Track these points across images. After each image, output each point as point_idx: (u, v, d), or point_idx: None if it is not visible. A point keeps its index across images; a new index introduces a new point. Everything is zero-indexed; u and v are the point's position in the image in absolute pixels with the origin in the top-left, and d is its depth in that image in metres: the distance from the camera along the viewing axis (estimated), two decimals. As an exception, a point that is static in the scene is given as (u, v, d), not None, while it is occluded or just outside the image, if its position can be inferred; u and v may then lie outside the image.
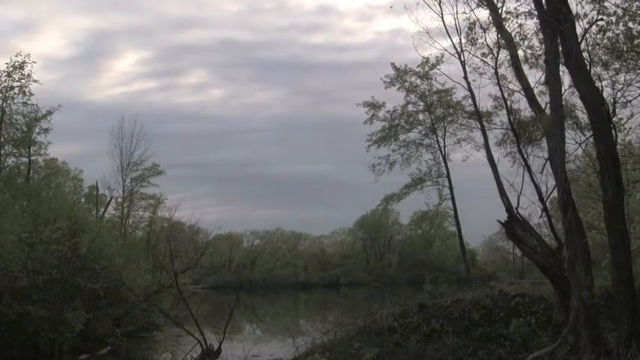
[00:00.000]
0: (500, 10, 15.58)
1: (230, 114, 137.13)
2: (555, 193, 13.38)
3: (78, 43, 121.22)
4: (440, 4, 17.55)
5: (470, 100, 21.50)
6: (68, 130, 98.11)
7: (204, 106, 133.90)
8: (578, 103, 15.34)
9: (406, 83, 33.54)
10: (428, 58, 30.05)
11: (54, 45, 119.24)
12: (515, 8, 15.77)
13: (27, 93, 28.62)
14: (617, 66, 15.83)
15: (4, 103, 28.63)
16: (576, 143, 17.84)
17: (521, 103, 16.88)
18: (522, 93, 15.13)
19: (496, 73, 16.85)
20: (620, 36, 14.57)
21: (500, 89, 17.13)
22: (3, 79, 28.19)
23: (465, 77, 18.71)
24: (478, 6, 16.52)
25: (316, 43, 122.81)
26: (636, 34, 14.49)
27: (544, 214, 16.33)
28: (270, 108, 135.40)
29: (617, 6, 14.07)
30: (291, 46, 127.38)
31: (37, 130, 30.66)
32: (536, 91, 15.16)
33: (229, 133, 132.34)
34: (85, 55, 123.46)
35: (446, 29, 17.76)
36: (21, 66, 28.13)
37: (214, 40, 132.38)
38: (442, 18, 17.57)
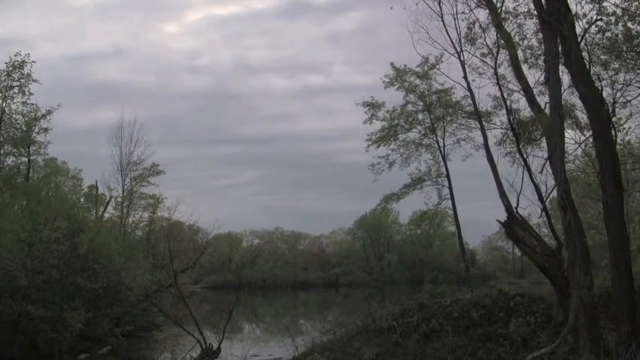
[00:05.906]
0: (499, 10, 15.59)
1: (341, 57, 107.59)
2: (555, 193, 13.43)
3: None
4: (439, 4, 17.64)
5: (469, 100, 21.54)
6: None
7: (312, 48, 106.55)
8: (578, 103, 15.37)
9: (405, 83, 33.38)
10: (427, 58, 29.90)
11: None
12: (515, 8, 15.79)
13: (26, 92, 28.64)
14: (617, 66, 15.84)
15: (4, 103, 28.63)
16: (576, 143, 17.88)
17: (521, 103, 16.96)
18: (522, 93, 15.14)
19: (495, 73, 16.91)
20: (620, 36, 14.57)
21: (500, 89, 17.20)
22: (2, 78, 28.18)
23: (465, 77, 18.82)
24: (477, 6, 16.58)
25: None
26: (635, 34, 14.48)
27: (544, 213, 16.39)
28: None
29: (617, 6, 14.08)
30: None
31: (36, 129, 30.59)
32: (535, 91, 15.19)
33: (317, 91, 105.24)
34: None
35: (445, 29, 17.88)
36: (20, 65, 28.12)
37: None
38: (442, 18, 17.68)
